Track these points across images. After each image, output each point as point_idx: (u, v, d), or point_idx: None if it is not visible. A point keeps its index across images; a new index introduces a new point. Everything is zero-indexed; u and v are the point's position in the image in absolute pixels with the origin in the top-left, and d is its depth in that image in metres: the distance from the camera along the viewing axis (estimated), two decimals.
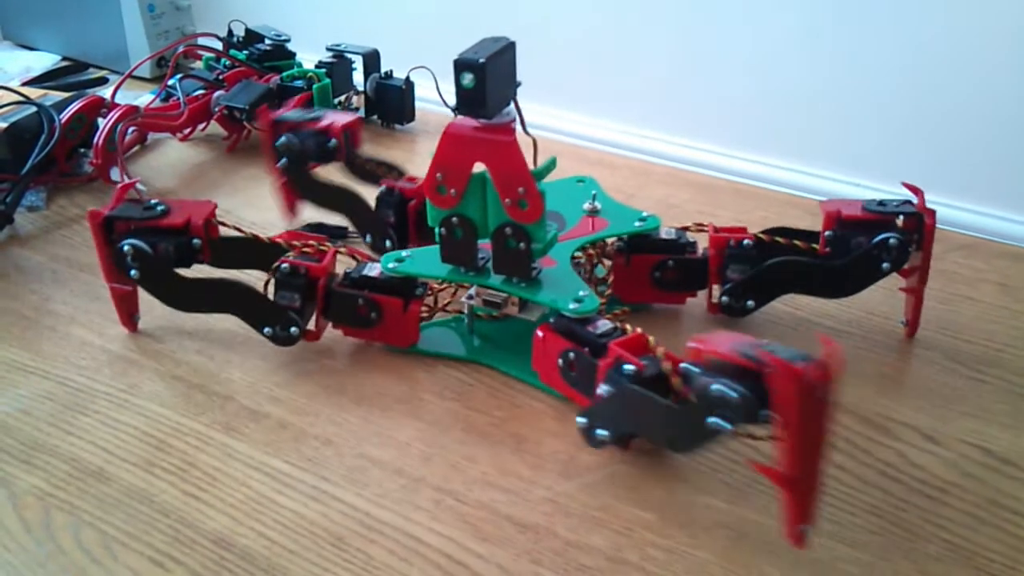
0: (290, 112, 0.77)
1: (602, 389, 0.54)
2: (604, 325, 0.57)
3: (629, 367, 0.52)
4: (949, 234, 0.82)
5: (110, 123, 0.87)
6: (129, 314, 0.68)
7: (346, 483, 0.55)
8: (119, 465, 0.56)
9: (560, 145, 1.00)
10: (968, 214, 0.84)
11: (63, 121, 0.87)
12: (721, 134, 0.96)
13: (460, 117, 0.56)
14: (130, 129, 0.94)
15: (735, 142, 0.96)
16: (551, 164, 0.58)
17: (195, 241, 0.65)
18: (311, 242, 0.66)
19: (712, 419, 0.47)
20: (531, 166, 0.57)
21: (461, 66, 0.53)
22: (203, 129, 1.00)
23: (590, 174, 0.93)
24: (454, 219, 0.59)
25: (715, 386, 0.46)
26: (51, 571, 0.49)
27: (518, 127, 0.57)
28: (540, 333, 0.59)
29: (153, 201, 0.65)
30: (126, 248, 0.63)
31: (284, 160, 0.73)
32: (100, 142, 0.86)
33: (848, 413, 0.60)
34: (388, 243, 0.73)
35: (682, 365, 0.50)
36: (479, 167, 0.57)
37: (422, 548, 0.51)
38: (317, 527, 0.52)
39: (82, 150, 0.91)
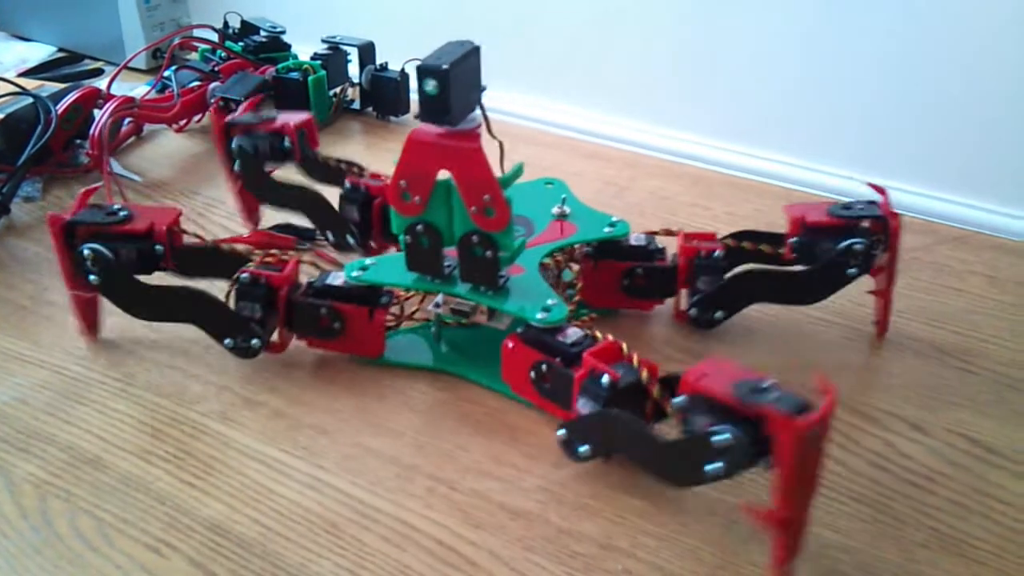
0: (242, 116, 0.76)
1: (584, 405, 0.53)
2: (575, 334, 0.56)
3: (606, 378, 0.52)
4: (938, 226, 0.83)
5: (106, 114, 0.87)
6: (91, 322, 0.66)
7: (341, 471, 0.56)
8: (115, 453, 0.57)
9: (553, 137, 1.01)
10: (957, 206, 0.84)
11: (59, 112, 0.87)
12: (714, 127, 0.97)
13: (423, 124, 0.54)
14: (126, 120, 0.94)
15: (728, 135, 0.96)
16: (518, 170, 0.57)
17: (157, 247, 0.63)
18: (273, 251, 0.64)
19: (711, 467, 0.46)
20: (497, 169, 0.56)
21: (424, 72, 0.51)
22: (199, 120, 1.01)
23: (583, 166, 0.94)
24: (419, 227, 0.58)
25: (718, 437, 0.46)
26: (47, 557, 0.50)
27: (483, 131, 0.55)
28: (509, 344, 0.58)
29: (116, 206, 0.63)
30: (86, 252, 0.60)
31: (238, 164, 0.72)
32: (96, 133, 0.86)
33: (837, 403, 0.60)
34: (351, 240, 0.72)
35: (675, 401, 0.49)
36: (444, 174, 0.56)
37: (415, 535, 0.51)
38: (312, 514, 0.53)
39: (78, 141, 0.92)
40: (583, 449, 0.53)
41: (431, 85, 0.52)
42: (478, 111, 0.55)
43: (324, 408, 0.60)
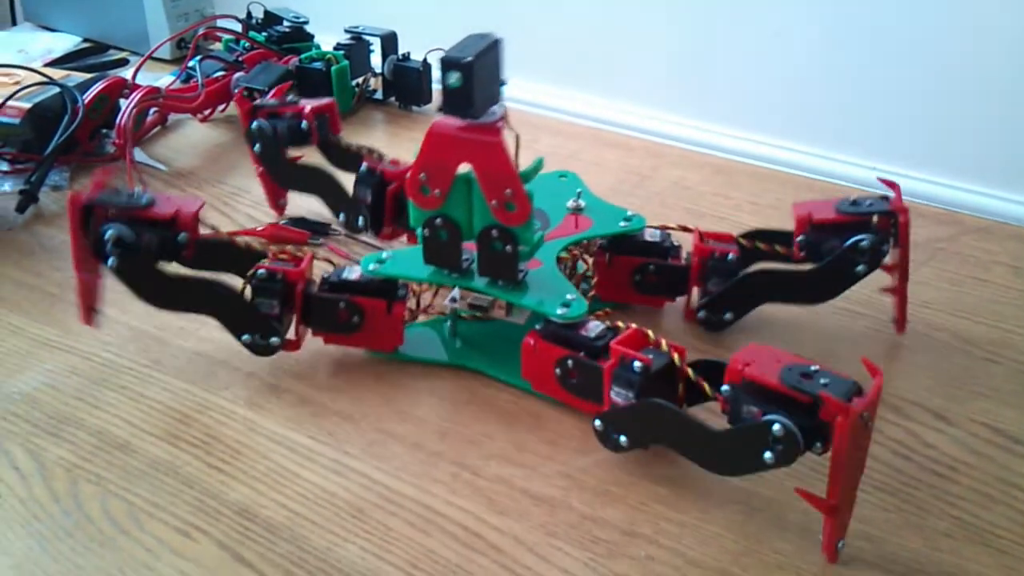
0: (267, 100, 0.76)
1: (617, 394, 0.53)
2: (596, 327, 0.56)
3: (638, 364, 0.52)
4: (963, 216, 0.83)
5: (132, 104, 0.88)
6: (90, 307, 0.62)
7: (366, 457, 0.56)
8: (144, 438, 0.58)
9: (575, 127, 1.01)
10: (981, 197, 0.84)
11: (86, 101, 0.88)
12: (736, 116, 0.97)
13: (445, 116, 0.54)
14: (151, 110, 0.95)
15: (750, 124, 0.96)
16: (538, 165, 0.57)
17: (181, 236, 0.61)
18: (288, 247, 0.63)
19: (768, 455, 0.47)
20: (515, 162, 0.55)
21: (447, 65, 0.51)
22: (223, 110, 1.01)
23: (606, 156, 0.94)
24: (438, 220, 0.57)
25: (776, 425, 0.46)
26: (79, 540, 0.51)
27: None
28: (531, 341, 0.57)
29: (138, 190, 0.62)
30: (109, 233, 0.58)
31: (257, 145, 0.73)
32: (122, 123, 0.87)
33: None
34: (361, 221, 0.72)
35: (722, 389, 0.50)
36: (464, 167, 0.56)
37: (440, 520, 0.52)
38: (338, 499, 0.53)
39: (104, 130, 0.93)
40: (622, 439, 0.53)
41: (454, 78, 0.51)
42: (499, 105, 0.55)
43: (349, 395, 0.61)
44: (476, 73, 0.51)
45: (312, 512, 0.52)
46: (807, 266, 0.63)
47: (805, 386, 0.46)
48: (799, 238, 0.63)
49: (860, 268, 0.61)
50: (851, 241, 0.60)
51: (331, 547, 0.50)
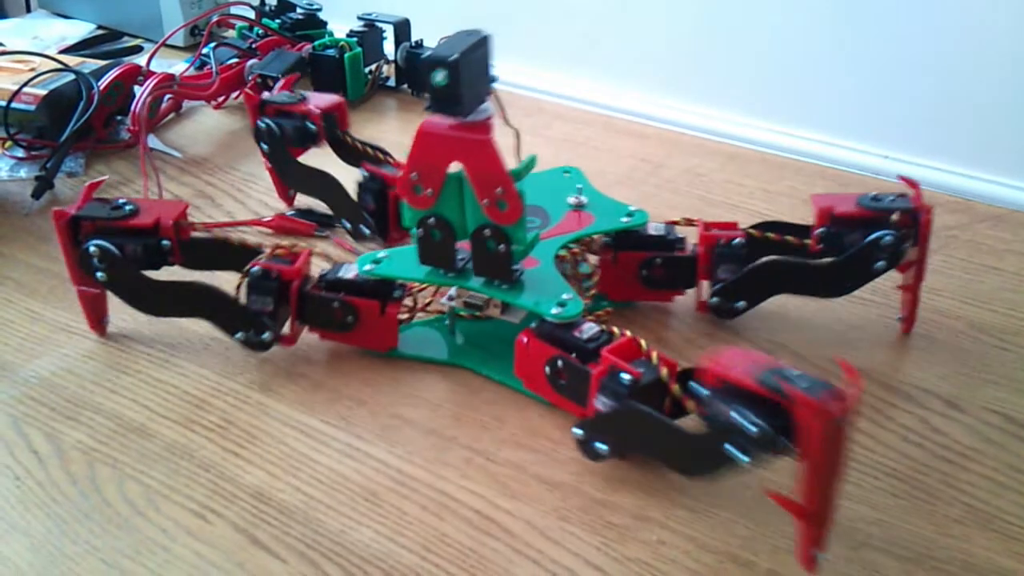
0: (277, 95, 0.76)
1: (601, 402, 0.52)
2: (590, 329, 0.55)
3: (626, 376, 0.51)
4: (976, 205, 0.82)
5: (147, 91, 0.89)
6: (98, 318, 0.66)
7: (379, 441, 0.57)
8: (160, 422, 0.58)
9: (588, 114, 1.01)
10: (995, 186, 0.84)
11: (101, 88, 0.89)
12: (750, 104, 0.96)
13: (434, 115, 0.53)
14: (166, 97, 0.96)
15: (763, 113, 0.96)
16: (530, 162, 0.56)
17: (164, 242, 0.63)
18: (284, 244, 0.63)
19: (728, 447, 0.46)
20: (515, 159, 0.55)
21: (432, 63, 0.50)
22: (236, 97, 1.02)
23: (619, 143, 0.95)
24: (431, 220, 0.57)
25: (735, 416, 0.45)
26: (97, 521, 0.51)
27: (498, 120, 0.54)
28: (524, 339, 0.57)
29: (121, 200, 0.63)
30: (92, 249, 0.60)
31: (264, 144, 0.72)
32: (137, 109, 0.87)
33: (872, 380, 0.61)
34: (365, 229, 0.71)
35: (692, 384, 0.49)
36: (455, 166, 0.55)
37: (453, 504, 0.52)
38: (352, 483, 0.54)
39: (119, 117, 0.93)
40: (601, 447, 0.53)
41: (440, 76, 0.50)
42: (489, 102, 0.54)
43: (362, 380, 0.62)
44: (463, 71, 0.50)
45: (326, 496, 0.53)
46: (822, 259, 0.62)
47: (782, 388, 0.44)
48: (819, 230, 0.62)
49: (879, 264, 0.60)
50: (873, 236, 0.60)
51: (345, 530, 0.51)
